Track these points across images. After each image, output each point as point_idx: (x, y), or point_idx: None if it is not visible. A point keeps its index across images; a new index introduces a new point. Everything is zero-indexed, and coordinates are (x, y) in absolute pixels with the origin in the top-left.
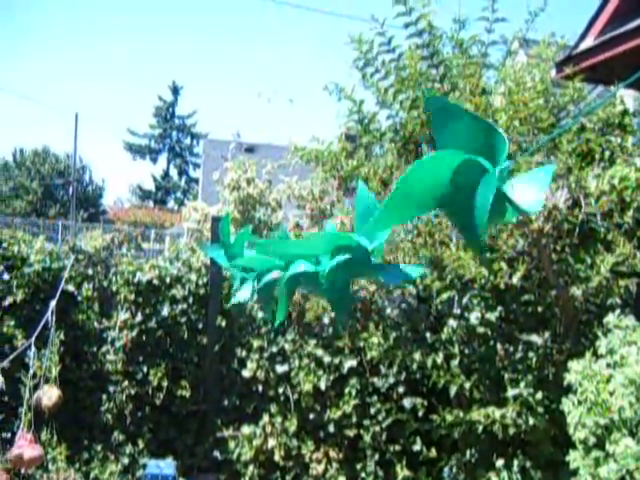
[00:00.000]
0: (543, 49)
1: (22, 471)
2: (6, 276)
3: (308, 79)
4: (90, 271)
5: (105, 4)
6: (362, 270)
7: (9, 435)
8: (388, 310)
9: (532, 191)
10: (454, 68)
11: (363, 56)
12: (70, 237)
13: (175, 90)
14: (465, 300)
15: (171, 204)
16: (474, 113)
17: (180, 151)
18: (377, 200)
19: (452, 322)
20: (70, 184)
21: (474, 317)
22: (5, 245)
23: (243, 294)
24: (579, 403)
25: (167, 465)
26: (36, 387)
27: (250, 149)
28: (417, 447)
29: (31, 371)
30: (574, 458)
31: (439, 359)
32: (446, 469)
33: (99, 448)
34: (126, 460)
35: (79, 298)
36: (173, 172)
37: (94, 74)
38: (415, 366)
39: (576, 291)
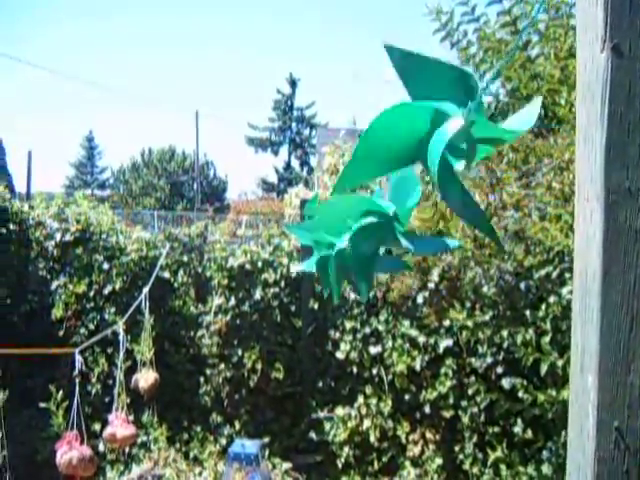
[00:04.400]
0: None
1: (126, 450)
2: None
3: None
4: (185, 258)
5: (221, 3)
6: (386, 236)
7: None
8: (485, 288)
9: (522, 115)
10: (549, 32)
11: (442, 27)
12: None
13: (293, 83)
14: (555, 273)
15: None
16: (437, 58)
17: (300, 142)
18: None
19: (552, 299)
20: (194, 180)
21: (566, 291)
22: (104, 236)
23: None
24: None
25: (252, 444)
26: (134, 370)
27: None
28: (517, 429)
29: (121, 354)
30: None
31: (529, 335)
32: (545, 452)
33: (198, 429)
34: (224, 441)
35: (175, 285)
36: (295, 163)
37: (213, 72)
38: (506, 344)
39: None
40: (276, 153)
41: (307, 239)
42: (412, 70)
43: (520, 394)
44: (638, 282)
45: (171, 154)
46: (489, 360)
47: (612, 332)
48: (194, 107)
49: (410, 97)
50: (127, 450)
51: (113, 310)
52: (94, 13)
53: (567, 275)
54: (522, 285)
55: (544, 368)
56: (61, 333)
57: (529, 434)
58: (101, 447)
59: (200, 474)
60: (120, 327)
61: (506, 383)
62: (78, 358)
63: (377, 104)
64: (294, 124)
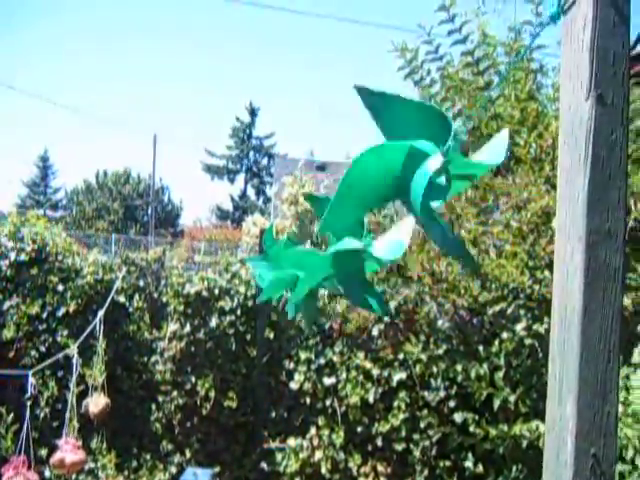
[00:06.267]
0: None
1: (72, 477)
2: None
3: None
4: (141, 283)
5: (182, 25)
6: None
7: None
8: (439, 322)
9: (491, 148)
10: (510, 75)
11: (407, 64)
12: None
13: (252, 111)
14: (510, 310)
15: None
16: (408, 97)
17: (258, 171)
18: None
19: (505, 335)
20: (149, 205)
21: (520, 327)
22: (60, 257)
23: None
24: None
25: (203, 473)
26: (85, 395)
27: (321, 167)
28: (468, 463)
29: (74, 378)
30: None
31: (482, 370)
32: None
33: (148, 457)
34: (174, 469)
35: (130, 309)
36: (251, 192)
37: (173, 97)
38: (460, 378)
39: (625, 300)
40: (232, 181)
41: (268, 274)
42: (384, 110)
43: (472, 428)
44: (615, 317)
45: (126, 177)
46: (442, 394)
47: (590, 365)
48: (152, 131)
49: (384, 137)
50: (74, 477)
51: (66, 333)
52: (53, 25)
53: (521, 312)
54: (475, 320)
55: (497, 403)
56: (11, 354)
57: (480, 469)
58: (47, 473)
59: None
60: (74, 351)
61: (458, 417)
62: (31, 380)
63: (336, 137)
64: (252, 153)
